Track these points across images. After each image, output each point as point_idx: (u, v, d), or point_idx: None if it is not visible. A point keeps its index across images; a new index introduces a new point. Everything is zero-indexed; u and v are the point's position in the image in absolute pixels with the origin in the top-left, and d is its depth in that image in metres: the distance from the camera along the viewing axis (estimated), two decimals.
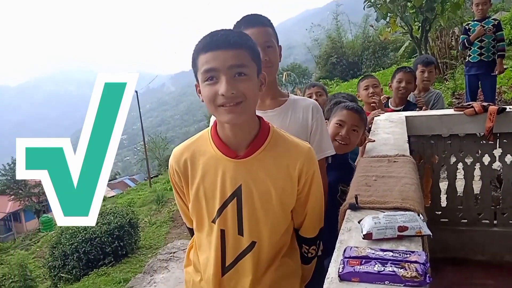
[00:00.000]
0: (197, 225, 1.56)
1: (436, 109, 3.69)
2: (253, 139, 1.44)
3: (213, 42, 1.31)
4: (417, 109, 3.50)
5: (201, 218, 1.52)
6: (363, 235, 1.21)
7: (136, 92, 30.59)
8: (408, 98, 3.66)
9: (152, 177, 26.85)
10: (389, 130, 2.66)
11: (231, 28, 1.81)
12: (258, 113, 1.85)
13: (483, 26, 5.56)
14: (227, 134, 1.42)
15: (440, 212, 3.06)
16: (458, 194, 3.04)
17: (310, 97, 3.31)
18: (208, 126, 1.61)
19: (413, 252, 1.06)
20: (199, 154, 1.47)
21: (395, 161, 1.95)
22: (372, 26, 19.21)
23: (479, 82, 5.94)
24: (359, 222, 1.30)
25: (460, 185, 3.04)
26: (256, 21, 1.81)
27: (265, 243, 1.49)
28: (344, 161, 2.28)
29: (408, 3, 8.88)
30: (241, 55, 1.32)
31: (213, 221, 1.47)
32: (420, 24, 9.23)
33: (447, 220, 3.03)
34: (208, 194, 1.46)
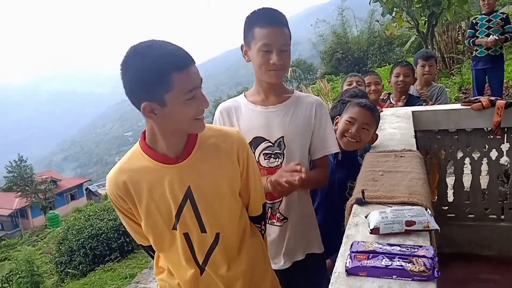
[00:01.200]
0: (156, 240, 1.53)
1: (440, 102, 3.67)
2: (186, 141, 1.46)
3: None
4: (424, 103, 3.48)
5: (158, 232, 1.50)
6: (370, 229, 1.21)
7: None
8: (410, 92, 3.65)
9: None
10: (395, 125, 2.64)
11: (244, 20, 1.81)
12: (260, 109, 1.89)
13: (492, 34, 5.50)
14: (165, 143, 1.42)
15: (446, 207, 3.04)
16: (465, 189, 3.02)
17: (350, 85, 3.32)
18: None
19: (420, 246, 1.06)
20: (138, 172, 1.43)
21: (401, 156, 1.94)
22: (378, 21, 19.08)
23: (486, 77, 5.89)
24: (366, 217, 1.29)
25: (467, 180, 3.02)
26: (275, 20, 1.76)
27: (228, 231, 1.54)
28: (353, 158, 2.26)
29: None
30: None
31: (174, 228, 1.48)
32: (426, 19, 9.14)
33: (454, 215, 3.02)
34: (160, 206, 1.45)
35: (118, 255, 10.39)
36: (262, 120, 1.86)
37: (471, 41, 5.72)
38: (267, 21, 1.74)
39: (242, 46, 1.85)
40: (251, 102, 1.91)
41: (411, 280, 0.98)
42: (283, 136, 1.84)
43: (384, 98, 3.72)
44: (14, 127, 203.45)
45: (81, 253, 10.41)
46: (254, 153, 1.84)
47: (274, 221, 1.93)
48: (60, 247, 11.16)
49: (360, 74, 3.56)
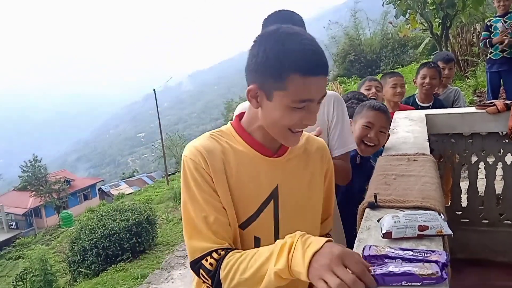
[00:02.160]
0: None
1: (458, 106, 3.64)
2: None
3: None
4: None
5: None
6: (383, 234, 1.20)
7: (154, 90, 31.00)
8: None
9: (169, 175, 27.13)
10: (408, 129, 2.62)
11: (261, 25, 1.70)
12: None
13: (506, 28, 5.42)
14: (263, 133, 1.28)
15: (460, 212, 3.01)
16: (479, 194, 2.98)
17: (369, 89, 3.28)
18: (225, 124, 1.53)
19: (433, 251, 1.04)
20: (232, 152, 1.27)
21: (415, 160, 1.92)
22: (391, 23, 18.98)
23: (501, 80, 5.82)
24: (378, 221, 1.28)
25: (481, 184, 2.98)
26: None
27: None
28: (367, 161, 2.25)
29: None
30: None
31: (242, 227, 1.27)
32: (440, 21, 9.06)
33: (467, 220, 2.98)
34: (241, 196, 1.26)
35: (130, 255, 10.48)
36: None
37: (487, 41, 5.65)
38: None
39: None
40: None
41: (421, 285, 0.96)
42: None
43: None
44: (30, 128, 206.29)
45: (94, 253, 10.52)
46: None
47: None
48: (73, 246, 11.29)
49: (379, 79, 3.52)
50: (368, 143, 2.15)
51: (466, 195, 3.00)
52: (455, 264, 1.35)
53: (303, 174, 1.37)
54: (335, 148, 1.87)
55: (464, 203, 3.02)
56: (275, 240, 1.17)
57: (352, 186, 2.18)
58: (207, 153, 1.23)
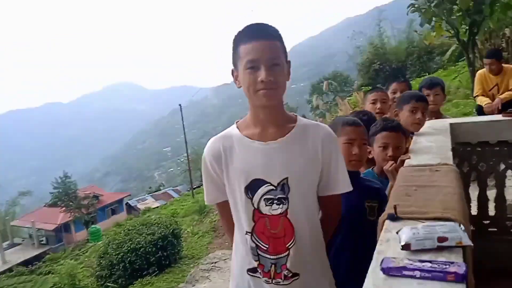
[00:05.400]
0: None
1: None
2: None
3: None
4: None
5: None
6: (402, 245, 1.18)
7: (180, 105, 31.49)
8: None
9: (194, 188, 27.33)
10: (432, 138, 2.58)
11: (233, 39, 1.59)
12: (258, 145, 1.57)
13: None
14: None
15: (488, 222, 2.92)
16: (507, 203, 2.89)
17: (374, 103, 3.16)
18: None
19: (452, 263, 1.02)
20: None
21: (437, 170, 1.88)
22: (416, 32, 18.76)
23: None
24: (397, 233, 1.26)
25: (509, 193, 2.90)
26: (262, 33, 1.51)
27: None
28: (357, 177, 2.07)
29: (454, 6, 8.56)
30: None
31: None
32: (467, 27, 8.89)
33: (495, 229, 2.89)
34: None
35: (156, 269, 10.56)
36: (262, 158, 1.55)
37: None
38: (251, 35, 1.50)
39: (232, 71, 1.59)
40: (247, 137, 1.60)
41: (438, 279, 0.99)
42: (287, 178, 1.54)
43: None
44: (61, 144, 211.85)
45: (121, 267, 10.66)
46: (252, 198, 1.56)
47: (280, 280, 1.59)
48: (101, 261, 11.48)
49: (383, 88, 3.38)
50: (356, 160, 2.03)
51: (494, 204, 2.91)
52: (484, 275, 1.31)
53: None
54: (323, 190, 1.66)
55: (491, 212, 2.93)
56: None
57: (349, 208, 1.91)
58: None
